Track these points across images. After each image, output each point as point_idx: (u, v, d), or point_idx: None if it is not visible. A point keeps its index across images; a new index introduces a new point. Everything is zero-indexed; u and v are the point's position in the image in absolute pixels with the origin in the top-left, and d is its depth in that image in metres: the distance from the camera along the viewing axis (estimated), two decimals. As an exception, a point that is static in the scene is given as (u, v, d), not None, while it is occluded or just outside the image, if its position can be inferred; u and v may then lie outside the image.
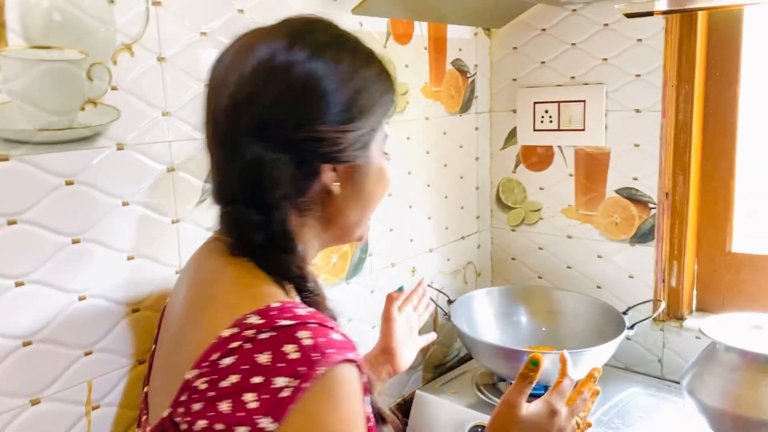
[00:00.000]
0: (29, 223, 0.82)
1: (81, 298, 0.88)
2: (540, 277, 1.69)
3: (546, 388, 1.35)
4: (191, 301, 0.71)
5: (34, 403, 0.84)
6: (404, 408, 1.47)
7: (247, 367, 0.57)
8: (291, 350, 0.57)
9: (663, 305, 1.44)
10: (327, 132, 0.68)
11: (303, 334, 0.58)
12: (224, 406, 0.56)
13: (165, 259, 0.97)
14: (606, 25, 1.48)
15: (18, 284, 0.81)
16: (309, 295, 0.70)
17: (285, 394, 0.55)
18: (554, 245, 1.66)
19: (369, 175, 0.75)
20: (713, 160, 1.45)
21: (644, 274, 1.52)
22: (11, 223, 0.80)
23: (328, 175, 0.71)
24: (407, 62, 1.40)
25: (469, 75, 1.61)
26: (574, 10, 1.51)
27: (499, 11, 1.55)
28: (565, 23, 1.54)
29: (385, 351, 1.07)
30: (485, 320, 1.52)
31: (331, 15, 0.76)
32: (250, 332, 0.59)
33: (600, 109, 1.51)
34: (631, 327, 1.34)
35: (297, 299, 0.69)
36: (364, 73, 0.72)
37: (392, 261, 1.43)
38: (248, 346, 0.58)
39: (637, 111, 1.47)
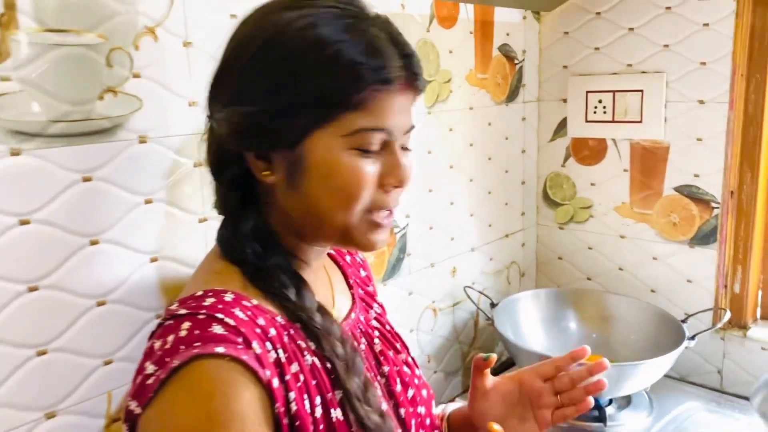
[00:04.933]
0: (43, 223, 0.76)
1: (100, 304, 0.82)
2: (589, 279, 1.60)
3: (597, 400, 1.26)
4: None
5: (50, 416, 0.78)
6: (443, 416, 1.39)
7: (144, 351, 0.60)
8: (170, 340, 0.57)
9: (727, 314, 1.32)
10: (241, 115, 0.63)
11: (184, 325, 0.58)
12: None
13: (192, 261, 0.91)
14: (668, 8, 1.37)
15: (31, 289, 0.75)
16: (275, 270, 0.67)
17: (149, 381, 0.56)
18: (605, 245, 1.56)
19: (309, 170, 0.63)
20: (786, 156, 1.33)
21: (704, 279, 1.42)
22: (24, 223, 0.74)
23: (255, 164, 0.65)
24: (451, 47, 1.31)
25: (516, 61, 1.50)
26: (633, -8, 1.40)
27: (550, -7, 1.46)
28: (622, 6, 1.44)
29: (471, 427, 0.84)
30: (530, 325, 1.43)
31: (372, -5, 0.67)
32: (162, 319, 0.61)
33: (659, 99, 1.40)
34: (693, 337, 1.24)
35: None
36: (308, 52, 0.61)
37: (431, 261, 1.34)
38: (156, 332, 0.61)
39: (701, 102, 1.36)
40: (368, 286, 0.88)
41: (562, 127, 1.58)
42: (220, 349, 0.55)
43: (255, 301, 0.63)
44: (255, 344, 0.58)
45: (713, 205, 1.38)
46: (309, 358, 0.64)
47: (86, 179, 0.79)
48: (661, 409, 1.29)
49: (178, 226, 0.89)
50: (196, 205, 0.91)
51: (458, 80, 1.34)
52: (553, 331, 1.44)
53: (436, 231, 1.35)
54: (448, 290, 1.39)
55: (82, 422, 0.81)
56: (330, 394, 0.64)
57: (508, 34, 1.46)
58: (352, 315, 0.77)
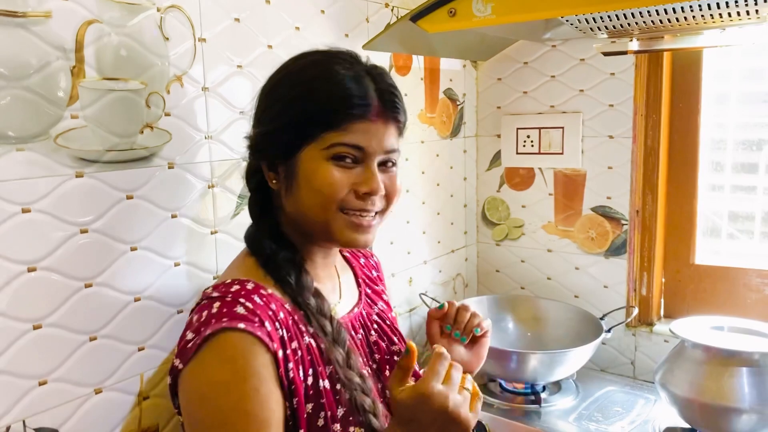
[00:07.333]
0: (98, 232, 0.93)
1: (136, 299, 0.99)
2: (522, 288, 1.84)
3: (533, 386, 1.49)
4: None
5: (98, 392, 0.95)
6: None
7: (186, 323, 0.79)
8: (204, 315, 0.76)
9: (635, 311, 1.60)
10: (255, 135, 0.86)
11: (216, 305, 0.76)
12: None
13: (205, 266, 1.09)
14: (582, 60, 1.64)
15: (87, 286, 0.92)
16: (283, 262, 0.84)
17: (189, 345, 0.74)
18: (535, 258, 1.81)
19: (298, 176, 0.81)
20: (678, 181, 1.62)
21: (617, 284, 1.68)
22: (83, 231, 0.91)
23: (267, 174, 0.86)
24: (406, 91, 1.55)
25: (458, 103, 1.76)
26: (554, 46, 1.68)
27: (485, 46, 1.71)
28: (545, 57, 1.71)
29: None
30: (475, 326, 1.65)
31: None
32: (199, 300, 0.81)
33: (577, 135, 1.67)
34: (609, 330, 1.49)
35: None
36: (288, 90, 0.83)
37: (392, 272, 1.56)
38: (195, 309, 0.80)
39: (611, 137, 1.63)
40: (377, 285, 1.04)
41: (497, 158, 1.83)
42: (241, 326, 0.73)
43: (270, 291, 0.81)
44: (267, 324, 0.76)
45: (623, 222, 1.65)
46: (307, 339, 0.81)
47: (129, 197, 0.97)
48: (585, 393, 1.53)
49: (195, 236, 1.07)
50: (209, 219, 1.09)
51: (412, 118, 1.58)
52: (493, 331, 1.64)
53: (396, 246, 1.57)
54: (405, 297, 1.61)
55: (120, 398, 0.98)
56: (321, 368, 0.81)
57: (451, 80, 1.72)
58: (356, 309, 0.94)
